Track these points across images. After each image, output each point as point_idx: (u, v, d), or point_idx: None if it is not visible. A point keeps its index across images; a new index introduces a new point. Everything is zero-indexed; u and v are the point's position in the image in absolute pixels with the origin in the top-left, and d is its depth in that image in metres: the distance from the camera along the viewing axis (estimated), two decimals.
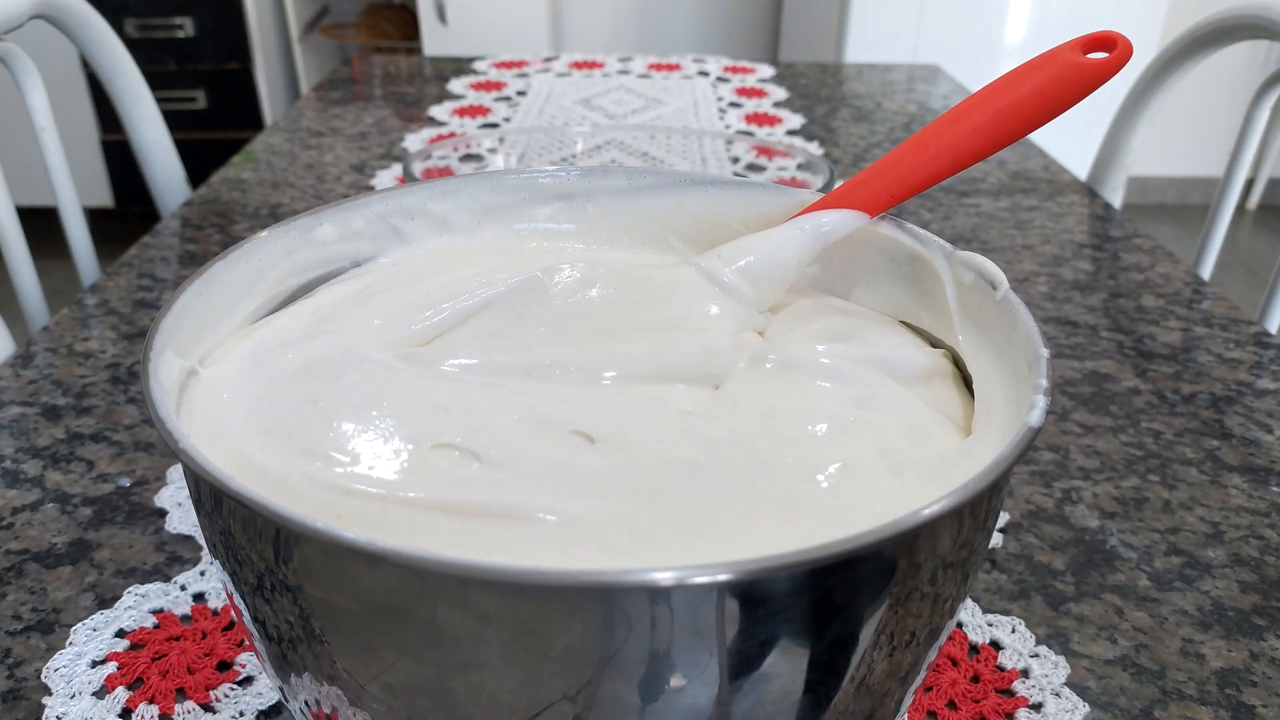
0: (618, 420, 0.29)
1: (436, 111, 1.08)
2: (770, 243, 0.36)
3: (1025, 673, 0.40)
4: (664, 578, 0.21)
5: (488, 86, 1.16)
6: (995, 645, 0.41)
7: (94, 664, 0.39)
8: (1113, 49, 0.33)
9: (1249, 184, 2.73)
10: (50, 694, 0.38)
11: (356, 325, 0.35)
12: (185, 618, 0.42)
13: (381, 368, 0.32)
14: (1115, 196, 0.95)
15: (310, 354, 0.33)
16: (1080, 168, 1.01)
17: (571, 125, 0.99)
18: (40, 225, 1.14)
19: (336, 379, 0.31)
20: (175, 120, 1.04)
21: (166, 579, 0.44)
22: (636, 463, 0.28)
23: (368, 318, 0.35)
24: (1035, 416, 0.26)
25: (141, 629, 0.41)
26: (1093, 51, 0.33)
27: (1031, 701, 0.39)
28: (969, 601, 0.43)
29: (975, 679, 0.40)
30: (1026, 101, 0.34)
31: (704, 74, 1.22)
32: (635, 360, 0.32)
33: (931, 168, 0.35)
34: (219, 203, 0.85)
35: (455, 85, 1.17)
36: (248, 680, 0.39)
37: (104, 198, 2.37)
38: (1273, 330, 0.76)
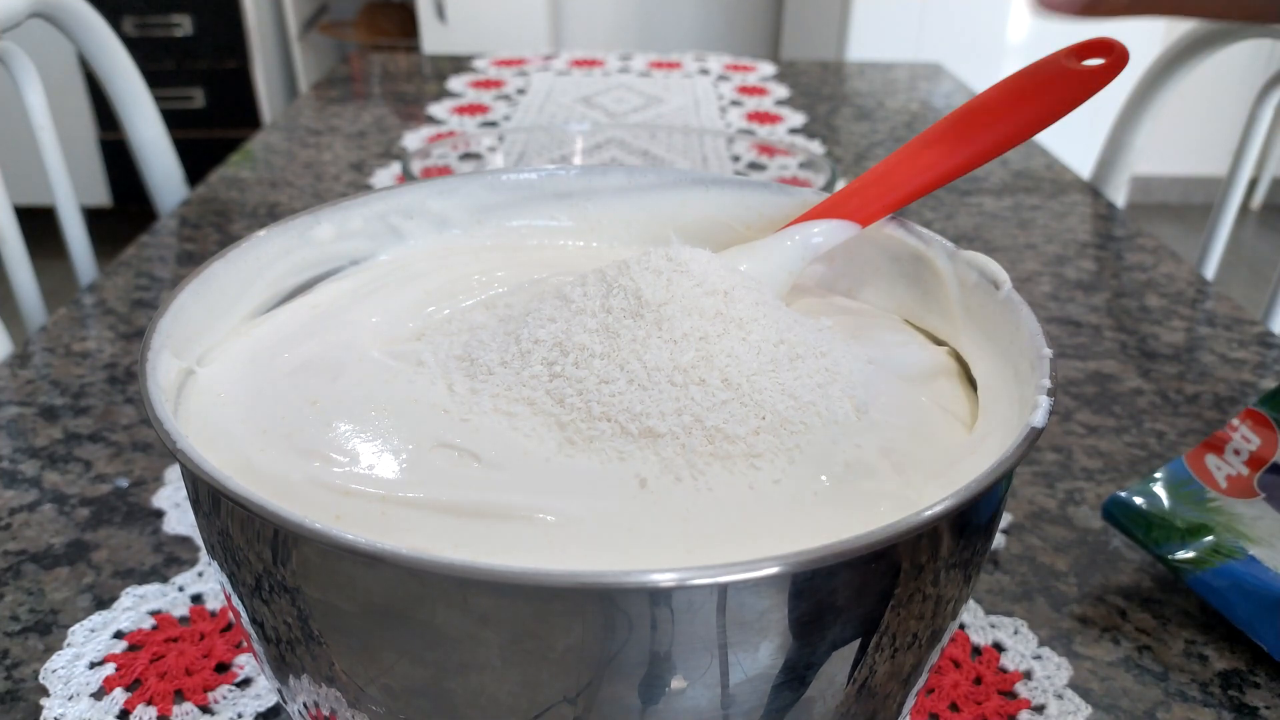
0: (617, 420, 0.28)
1: (435, 110, 1.07)
2: (759, 254, 0.36)
3: (1028, 674, 0.40)
4: (664, 579, 0.20)
5: (487, 85, 1.16)
6: (998, 647, 0.41)
7: (92, 665, 0.39)
8: (1109, 55, 0.33)
9: (1252, 184, 2.73)
10: (48, 695, 0.38)
11: (354, 323, 0.35)
12: (183, 619, 0.42)
13: (380, 368, 0.32)
14: (1118, 196, 0.95)
15: (308, 353, 0.33)
16: (1083, 167, 1.01)
17: (571, 123, 0.99)
18: (38, 224, 1.13)
19: (335, 379, 0.31)
20: (173, 119, 1.04)
21: (164, 580, 0.44)
22: (638, 462, 0.27)
23: (365, 315, 0.35)
24: (1038, 417, 0.26)
25: (139, 630, 0.41)
26: (1089, 58, 0.33)
27: (1034, 703, 0.38)
28: (971, 603, 0.43)
29: (978, 681, 0.40)
30: (1021, 109, 0.34)
31: (705, 72, 1.22)
32: (634, 361, 0.32)
33: (925, 176, 0.35)
34: (217, 202, 0.85)
35: (454, 83, 1.16)
36: (246, 682, 0.39)
37: (102, 197, 2.37)
38: (1277, 330, 0.76)
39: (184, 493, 0.49)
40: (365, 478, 0.27)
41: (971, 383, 0.33)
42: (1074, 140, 1.72)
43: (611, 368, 0.29)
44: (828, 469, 0.28)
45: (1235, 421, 0.43)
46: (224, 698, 0.38)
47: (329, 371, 0.32)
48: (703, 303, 0.30)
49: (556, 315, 0.31)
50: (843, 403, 0.30)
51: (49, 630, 0.41)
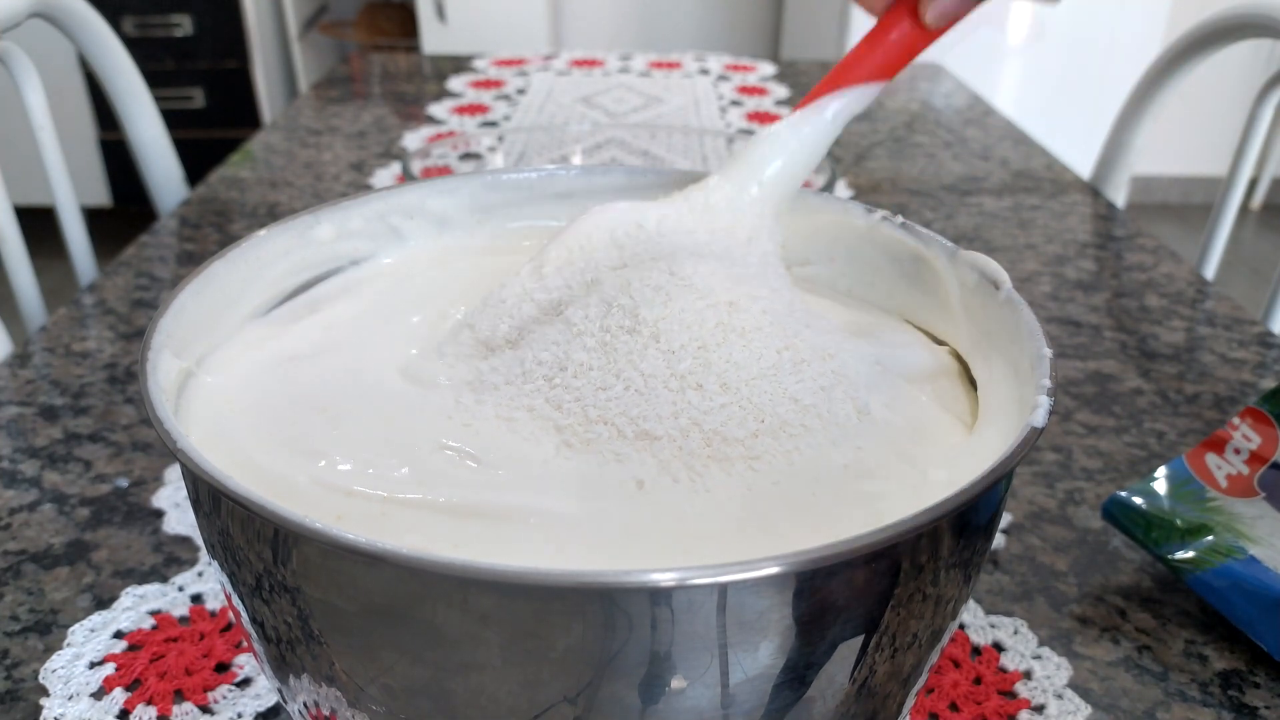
0: (614, 424, 0.29)
1: (435, 110, 1.07)
2: (781, 137, 0.36)
3: (1028, 674, 0.40)
4: (665, 579, 0.20)
5: (487, 85, 1.16)
6: (998, 647, 0.41)
7: (92, 665, 0.39)
8: None
9: (1252, 184, 2.73)
10: (48, 695, 0.38)
11: (367, 345, 0.34)
12: (183, 619, 0.42)
13: (392, 388, 0.32)
14: (1118, 196, 0.95)
15: (319, 371, 0.33)
16: (1083, 167, 1.01)
17: (571, 123, 0.99)
18: (38, 225, 1.13)
19: (344, 398, 0.31)
20: (173, 119, 1.04)
21: (164, 580, 0.44)
22: (636, 464, 0.27)
23: (378, 338, 0.35)
24: (1038, 417, 0.26)
25: (139, 630, 0.41)
26: None
27: (1034, 703, 0.38)
28: (971, 603, 0.43)
29: (977, 680, 0.40)
30: None
31: (705, 72, 1.22)
32: (630, 370, 0.32)
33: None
34: (217, 202, 0.85)
35: (454, 83, 1.16)
36: (246, 682, 0.39)
37: (102, 197, 2.37)
38: (1277, 330, 0.76)
39: (184, 493, 0.49)
40: (367, 478, 0.27)
41: (972, 382, 0.33)
42: (1074, 140, 1.72)
43: (608, 376, 0.29)
44: (828, 470, 0.28)
45: (1235, 420, 0.43)
46: (224, 698, 0.38)
47: (340, 392, 0.32)
48: (704, 315, 0.30)
49: (559, 339, 0.31)
50: (845, 405, 0.30)
51: (49, 630, 0.41)
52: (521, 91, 1.13)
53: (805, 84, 1.20)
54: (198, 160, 1.59)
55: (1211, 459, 0.44)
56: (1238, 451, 0.43)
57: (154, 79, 0.96)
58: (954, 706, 0.38)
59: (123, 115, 0.91)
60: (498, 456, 0.28)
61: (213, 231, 0.79)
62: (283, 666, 0.26)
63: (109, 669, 0.39)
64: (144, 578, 0.44)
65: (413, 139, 0.99)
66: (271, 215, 0.82)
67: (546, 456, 0.28)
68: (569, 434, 0.28)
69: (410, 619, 0.22)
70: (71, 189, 0.82)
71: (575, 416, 0.29)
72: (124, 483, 0.50)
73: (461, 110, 1.07)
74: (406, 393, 0.31)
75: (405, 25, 2.38)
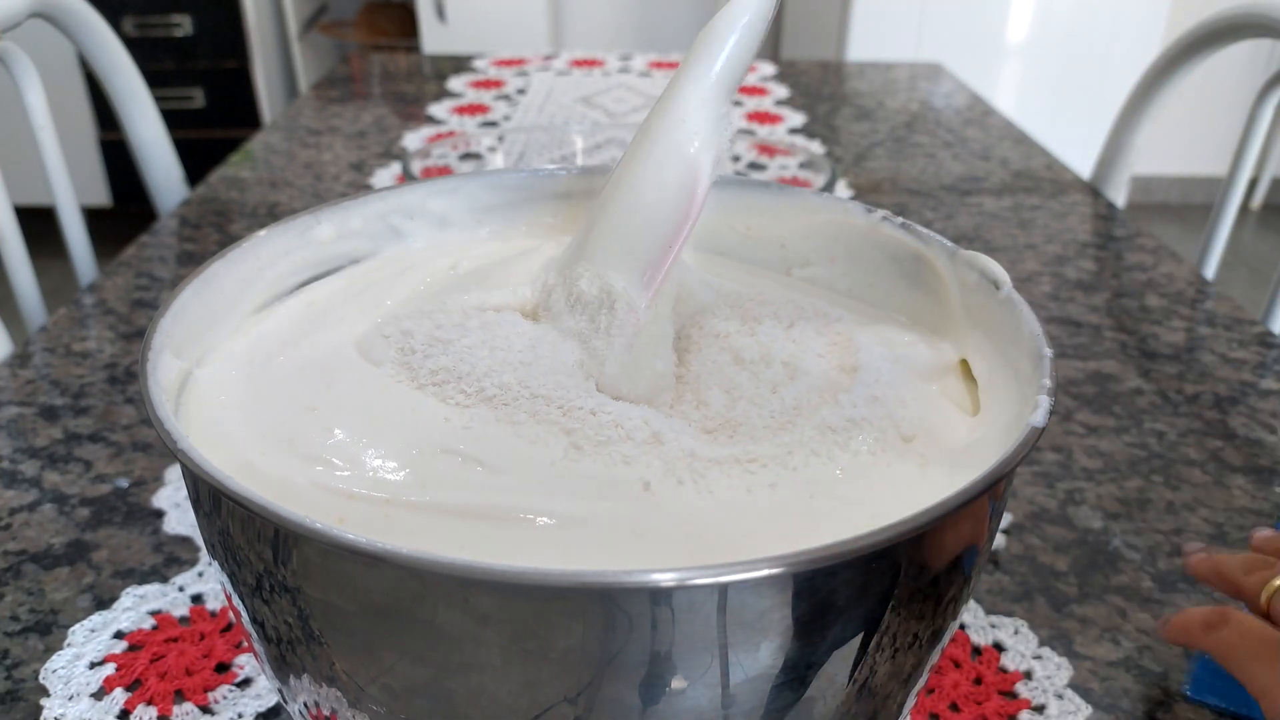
0: (623, 426, 0.29)
1: (435, 110, 1.07)
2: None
3: (1028, 674, 0.40)
4: (665, 579, 0.20)
5: (487, 85, 1.16)
6: (998, 647, 0.41)
7: (92, 665, 0.39)
8: None
9: (1252, 184, 2.73)
10: (48, 695, 0.38)
11: (344, 321, 0.34)
12: (183, 619, 0.42)
13: (372, 375, 0.31)
14: (1118, 196, 0.95)
15: (301, 356, 0.33)
16: (1083, 167, 1.00)
17: (571, 124, 0.99)
18: (38, 225, 1.13)
19: (329, 386, 0.31)
20: (173, 119, 1.04)
21: (164, 580, 0.44)
22: (640, 467, 0.27)
23: (358, 313, 0.35)
24: (1038, 417, 0.26)
25: (140, 630, 0.41)
26: None
27: (1034, 703, 0.38)
28: (971, 603, 0.43)
29: (978, 681, 0.40)
30: None
31: None
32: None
33: None
34: (217, 202, 0.85)
35: (454, 83, 1.16)
36: (246, 682, 0.39)
37: (102, 197, 2.37)
38: (1277, 330, 0.76)
39: (184, 493, 0.49)
40: (369, 482, 0.27)
41: (973, 381, 0.33)
42: (1074, 140, 1.72)
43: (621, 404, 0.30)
44: (828, 470, 0.28)
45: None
46: (224, 698, 0.38)
47: (324, 378, 0.32)
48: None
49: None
50: (854, 408, 0.30)
51: (49, 630, 0.41)
52: (521, 91, 1.13)
53: (805, 84, 1.20)
54: (198, 160, 1.59)
55: None
56: None
57: (154, 79, 0.96)
58: (954, 707, 0.38)
59: (123, 115, 0.91)
60: (502, 460, 0.28)
61: (213, 231, 0.79)
62: (283, 667, 0.26)
63: (109, 669, 0.39)
64: (144, 578, 0.44)
65: (413, 139, 0.99)
66: (271, 215, 0.82)
67: (553, 459, 0.28)
68: (578, 436, 0.28)
69: (411, 619, 0.22)
70: (71, 189, 0.82)
71: (585, 421, 0.29)
72: (124, 483, 0.50)
73: (461, 110, 1.07)
74: (391, 387, 0.31)
75: (405, 25, 2.38)
